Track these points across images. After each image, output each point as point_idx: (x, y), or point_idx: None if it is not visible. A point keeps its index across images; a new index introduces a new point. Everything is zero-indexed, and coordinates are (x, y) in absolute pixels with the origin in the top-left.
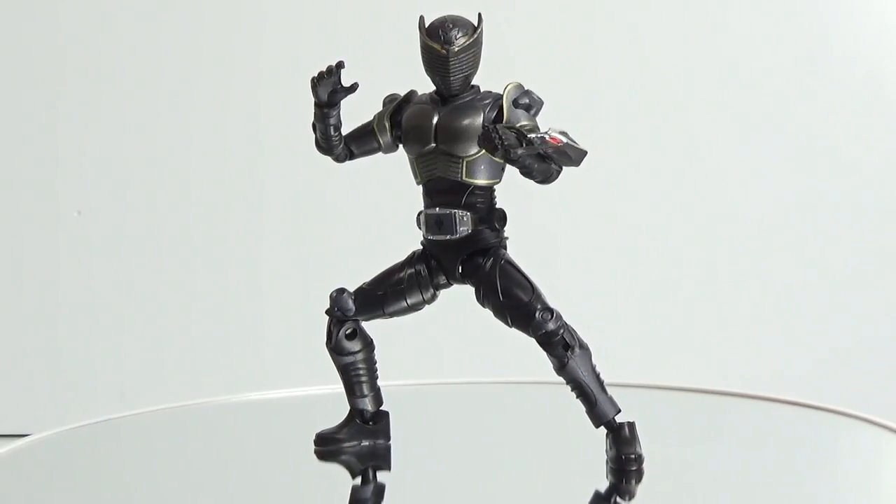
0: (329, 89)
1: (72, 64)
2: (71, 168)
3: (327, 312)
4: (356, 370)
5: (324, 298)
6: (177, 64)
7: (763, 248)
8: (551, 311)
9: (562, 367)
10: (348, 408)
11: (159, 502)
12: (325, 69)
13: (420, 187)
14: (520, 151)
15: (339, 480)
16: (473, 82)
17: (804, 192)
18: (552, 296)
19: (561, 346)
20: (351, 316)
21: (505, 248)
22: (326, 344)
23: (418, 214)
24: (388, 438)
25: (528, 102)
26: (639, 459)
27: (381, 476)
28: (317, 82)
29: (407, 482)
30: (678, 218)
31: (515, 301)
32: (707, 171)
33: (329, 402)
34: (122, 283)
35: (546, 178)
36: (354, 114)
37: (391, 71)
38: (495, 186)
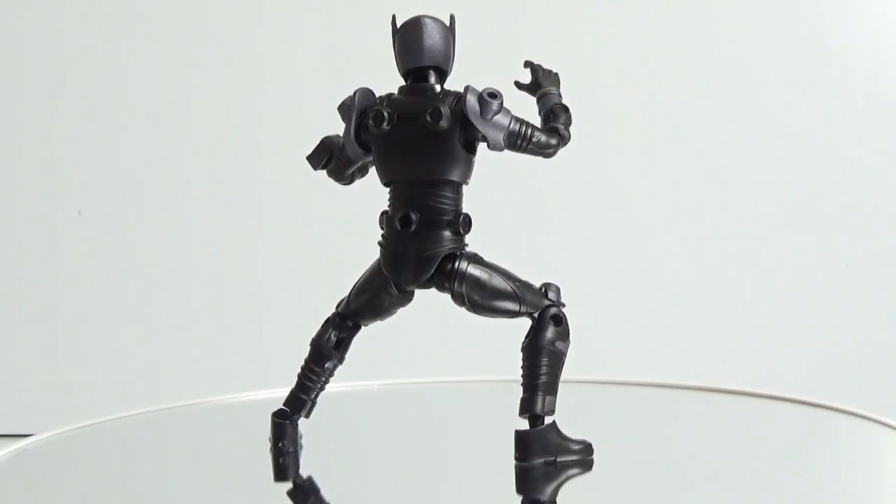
0: None
1: (72, 66)
2: (71, 168)
3: None
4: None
5: (324, 298)
6: (177, 66)
7: (763, 247)
8: None
9: None
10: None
11: (159, 502)
12: None
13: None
14: None
15: (338, 480)
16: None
17: (806, 191)
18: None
19: None
20: None
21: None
22: None
23: None
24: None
25: None
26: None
27: (396, 469)
28: None
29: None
30: (678, 217)
31: None
32: (707, 172)
33: (330, 401)
34: (121, 283)
35: None
36: None
37: None
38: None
